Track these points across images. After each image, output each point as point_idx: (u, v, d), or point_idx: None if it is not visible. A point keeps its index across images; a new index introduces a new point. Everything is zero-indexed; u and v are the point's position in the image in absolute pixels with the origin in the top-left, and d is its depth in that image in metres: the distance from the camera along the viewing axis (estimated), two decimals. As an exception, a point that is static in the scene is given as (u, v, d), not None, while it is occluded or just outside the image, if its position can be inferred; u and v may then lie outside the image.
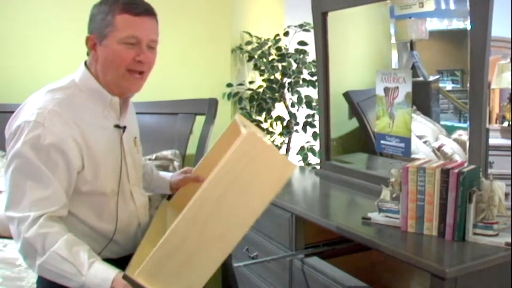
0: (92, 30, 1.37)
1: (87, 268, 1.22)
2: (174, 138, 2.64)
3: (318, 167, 2.68)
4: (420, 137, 2.20)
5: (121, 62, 1.34)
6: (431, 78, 2.35)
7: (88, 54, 1.42)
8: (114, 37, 1.32)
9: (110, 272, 1.23)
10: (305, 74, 2.90)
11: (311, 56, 2.78)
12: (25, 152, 1.25)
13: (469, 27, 1.68)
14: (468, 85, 1.71)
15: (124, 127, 1.43)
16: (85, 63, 1.42)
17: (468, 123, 1.73)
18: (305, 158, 2.89)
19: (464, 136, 1.93)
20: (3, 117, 2.93)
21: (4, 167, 2.70)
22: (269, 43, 2.93)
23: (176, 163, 2.57)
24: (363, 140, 2.50)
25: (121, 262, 1.39)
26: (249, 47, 2.94)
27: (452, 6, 2.27)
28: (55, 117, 1.28)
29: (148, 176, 1.72)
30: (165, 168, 2.48)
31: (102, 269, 1.24)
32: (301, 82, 2.87)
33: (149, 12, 1.37)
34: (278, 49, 2.88)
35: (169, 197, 1.80)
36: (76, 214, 1.37)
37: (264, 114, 2.93)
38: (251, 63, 2.93)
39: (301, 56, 2.87)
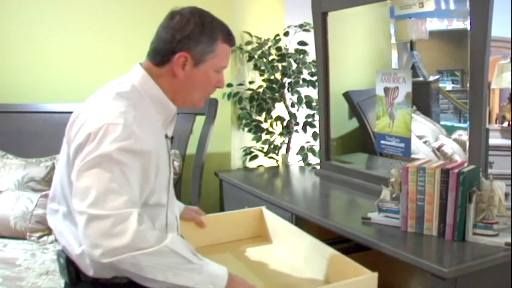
0: (189, 49, 1.29)
1: (202, 263, 1.21)
2: (174, 138, 2.64)
3: (318, 167, 2.68)
4: (420, 137, 2.20)
5: (210, 88, 1.38)
6: (431, 78, 2.36)
7: (150, 57, 1.37)
8: (213, 64, 1.33)
9: (223, 268, 1.23)
10: (305, 74, 2.90)
11: (311, 56, 2.78)
12: (115, 154, 1.18)
13: (469, 27, 1.68)
14: (468, 85, 1.71)
15: (172, 137, 1.44)
16: (144, 68, 1.37)
17: (468, 123, 1.73)
18: (305, 158, 2.89)
19: (464, 136, 1.93)
20: (3, 117, 2.95)
21: (3, 166, 2.70)
22: (269, 43, 2.93)
23: (176, 163, 2.57)
24: (363, 140, 2.50)
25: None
26: (249, 47, 2.94)
27: (452, 6, 2.27)
28: (139, 123, 1.23)
29: None
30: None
31: (214, 265, 1.23)
32: (301, 82, 2.87)
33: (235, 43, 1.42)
34: (278, 49, 2.88)
35: None
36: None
37: (264, 114, 2.93)
38: (251, 63, 2.93)
39: (301, 56, 2.87)
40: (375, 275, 1.26)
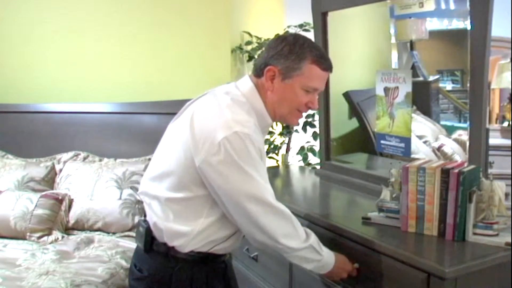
0: (277, 64, 1.45)
1: (323, 251, 1.50)
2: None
3: (318, 167, 2.68)
4: (420, 137, 2.20)
5: (297, 104, 1.48)
6: (431, 78, 2.35)
7: (257, 73, 1.51)
8: (299, 82, 1.45)
9: (332, 254, 1.53)
10: (305, 74, 2.90)
11: (311, 56, 2.78)
12: (252, 151, 1.37)
13: (469, 27, 1.68)
14: (468, 85, 1.71)
15: None
16: (251, 80, 1.51)
17: (468, 123, 1.73)
18: (305, 158, 2.89)
19: (464, 136, 1.93)
20: (3, 117, 2.95)
21: (3, 166, 2.70)
22: (269, 43, 2.93)
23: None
24: (363, 140, 2.50)
25: (216, 256, 1.51)
26: (249, 47, 2.94)
27: (452, 6, 2.27)
28: (255, 129, 1.41)
29: None
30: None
31: (328, 252, 1.53)
32: (301, 82, 2.87)
33: (331, 69, 1.51)
34: (278, 49, 2.88)
35: None
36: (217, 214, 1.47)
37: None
38: (251, 63, 2.93)
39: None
40: None
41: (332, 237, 1.71)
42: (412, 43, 2.35)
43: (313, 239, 1.49)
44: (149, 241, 1.50)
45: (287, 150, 3.03)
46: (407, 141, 1.93)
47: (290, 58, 1.44)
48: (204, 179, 1.39)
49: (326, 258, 1.51)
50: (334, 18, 2.33)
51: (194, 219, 1.44)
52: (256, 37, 2.96)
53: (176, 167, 1.43)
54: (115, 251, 2.29)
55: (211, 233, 1.46)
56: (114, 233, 2.50)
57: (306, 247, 1.46)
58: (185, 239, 1.44)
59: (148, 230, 1.50)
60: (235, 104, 1.43)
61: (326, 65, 1.47)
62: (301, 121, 2.95)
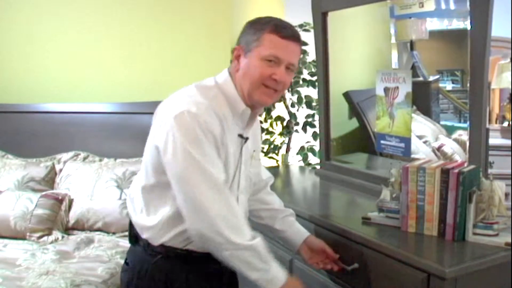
0: (240, 42, 1.47)
1: (271, 261, 1.40)
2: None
3: (318, 167, 2.68)
4: (420, 137, 2.20)
5: (258, 76, 1.42)
6: (431, 78, 2.35)
7: (231, 62, 1.52)
8: (258, 53, 1.42)
9: (283, 271, 1.42)
10: (305, 74, 2.90)
11: (311, 56, 2.78)
12: (197, 130, 1.35)
13: (469, 27, 1.68)
14: (468, 85, 1.71)
15: (247, 138, 1.52)
16: (228, 70, 1.51)
17: (468, 123, 1.73)
18: (305, 158, 2.89)
19: (464, 136, 1.93)
20: (3, 117, 2.95)
21: (3, 166, 2.70)
22: (269, 43, 2.92)
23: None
24: (363, 140, 2.50)
25: (200, 257, 1.47)
26: (249, 47, 2.94)
27: (452, 6, 2.27)
28: (211, 112, 1.39)
29: (279, 221, 1.72)
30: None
31: (277, 266, 1.42)
32: (301, 82, 2.87)
33: (295, 37, 1.46)
34: (278, 49, 2.88)
35: None
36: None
37: (264, 114, 2.93)
38: (251, 63, 2.93)
39: (301, 56, 2.86)
40: None
41: (332, 237, 1.71)
42: (412, 43, 2.35)
43: (260, 243, 1.39)
44: (133, 235, 1.53)
45: (287, 150, 3.03)
46: (407, 141, 1.93)
47: (250, 32, 1.44)
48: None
49: (274, 272, 1.40)
50: (334, 18, 2.33)
51: (160, 208, 1.45)
52: (256, 37, 2.96)
53: (145, 155, 1.49)
54: (115, 251, 2.29)
55: (177, 224, 1.43)
56: (114, 233, 2.50)
57: (250, 248, 1.36)
58: (152, 231, 1.46)
59: (131, 224, 1.55)
60: (197, 91, 1.43)
61: (285, 33, 1.42)
62: (301, 121, 2.97)
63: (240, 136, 1.49)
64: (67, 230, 2.53)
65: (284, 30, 1.42)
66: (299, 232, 1.71)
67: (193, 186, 1.34)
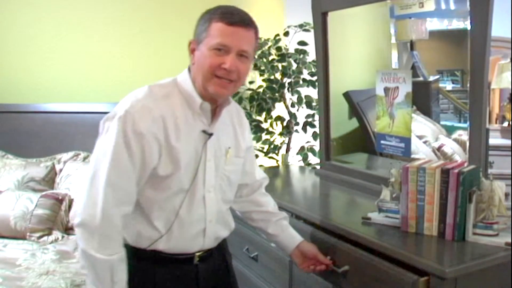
0: (194, 36, 1.44)
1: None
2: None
3: (318, 167, 2.68)
4: (420, 137, 2.20)
5: (208, 68, 1.38)
6: (431, 78, 2.35)
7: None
8: (207, 43, 1.38)
9: None
10: (305, 74, 2.90)
11: (311, 56, 2.78)
12: (117, 138, 1.34)
13: (469, 27, 1.68)
14: (468, 85, 1.71)
15: (211, 134, 1.46)
16: (188, 66, 1.49)
17: (468, 123, 1.73)
18: (305, 158, 2.89)
19: (464, 136, 1.93)
20: (3, 117, 2.95)
21: (3, 166, 2.70)
22: (269, 43, 2.93)
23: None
24: (363, 140, 2.50)
25: (170, 259, 1.45)
26: (249, 47, 2.94)
27: (452, 6, 2.27)
28: (145, 111, 1.36)
29: (272, 225, 1.69)
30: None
31: None
32: (301, 82, 2.87)
33: (244, 22, 1.40)
34: (278, 49, 2.88)
35: None
36: (139, 202, 1.42)
37: (264, 114, 2.93)
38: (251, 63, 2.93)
39: (301, 56, 2.87)
40: None
41: (332, 237, 1.71)
42: (412, 43, 2.35)
43: (108, 264, 1.32)
44: None
45: (287, 150, 3.03)
46: (407, 141, 1.93)
47: (200, 24, 1.42)
48: None
49: None
50: (334, 18, 2.33)
51: None
52: (256, 37, 2.96)
53: None
54: (115, 251, 2.29)
55: (133, 223, 1.41)
56: (114, 233, 2.50)
57: (92, 257, 1.31)
58: None
59: None
60: (146, 90, 1.43)
61: (232, 19, 1.37)
62: (301, 121, 2.97)
63: (204, 132, 1.45)
64: (67, 230, 2.53)
65: (231, 17, 1.38)
66: (292, 237, 1.68)
67: (85, 184, 1.35)
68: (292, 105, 2.94)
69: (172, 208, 1.43)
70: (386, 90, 1.98)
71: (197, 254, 1.50)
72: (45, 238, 2.40)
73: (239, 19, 1.38)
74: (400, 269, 1.41)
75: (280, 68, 2.86)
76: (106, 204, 1.32)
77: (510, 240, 1.44)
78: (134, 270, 1.42)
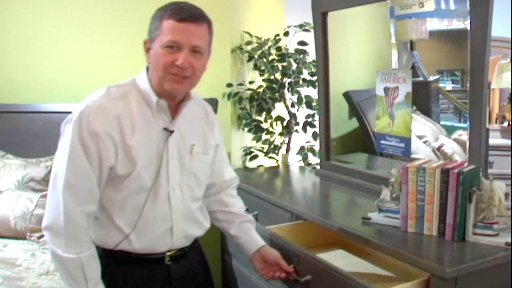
0: (148, 34, 1.44)
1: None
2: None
3: (318, 167, 2.68)
4: (420, 137, 2.21)
5: (162, 66, 1.38)
6: (431, 78, 2.36)
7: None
8: (159, 41, 1.38)
9: None
10: (305, 74, 2.90)
11: (311, 56, 2.78)
12: (73, 140, 1.36)
13: (469, 27, 1.68)
14: (468, 85, 1.71)
15: (172, 131, 1.45)
16: (147, 66, 1.49)
17: (468, 123, 1.73)
18: (305, 158, 2.89)
19: (464, 136, 1.93)
20: (3, 117, 2.95)
21: (3, 166, 2.70)
22: (269, 43, 2.92)
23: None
24: (363, 140, 2.50)
25: (140, 259, 1.45)
26: (249, 47, 2.94)
27: (452, 6, 2.28)
28: (100, 112, 1.38)
29: (235, 226, 1.66)
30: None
31: None
32: (301, 82, 2.87)
33: (193, 18, 1.39)
34: (278, 49, 2.88)
35: None
36: (101, 202, 1.43)
37: (264, 114, 2.93)
38: (251, 63, 2.93)
39: (301, 56, 2.87)
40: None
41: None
42: (412, 43, 2.35)
43: (78, 263, 1.35)
44: None
45: (287, 150, 3.03)
46: (407, 141, 1.93)
47: (152, 22, 1.42)
48: None
49: None
50: (334, 18, 2.33)
51: None
52: (256, 37, 2.95)
53: None
54: (115, 251, 2.29)
55: (95, 223, 1.42)
56: (114, 233, 2.50)
57: (62, 258, 1.35)
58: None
59: None
60: (104, 91, 1.44)
61: (182, 15, 1.36)
62: (301, 121, 2.97)
63: (165, 129, 1.45)
64: (67, 230, 2.53)
65: (180, 13, 1.37)
66: (253, 241, 1.63)
67: (49, 185, 1.39)
68: (292, 105, 2.94)
69: (136, 207, 1.42)
70: (386, 90, 1.98)
71: (168, 254, 1.48)
72: (45, 238, 2.40)
73: (188, 15, 1.38)
74: (364, 282, 1.39)
75: (280, 68, 2.86)
76: (67, 205, 1.34)
77: (510, 240, 1.44)
78: (104, 270, 1.42)
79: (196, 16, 1.40)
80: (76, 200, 1.35)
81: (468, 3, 1.67)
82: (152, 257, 1.46)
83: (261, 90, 2.90)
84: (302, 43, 2.87)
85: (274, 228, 1.86)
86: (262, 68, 2.87)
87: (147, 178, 1.42)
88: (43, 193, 2.55)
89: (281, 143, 3.02)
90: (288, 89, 2.91)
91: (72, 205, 1.34)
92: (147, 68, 1.47)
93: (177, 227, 1.48)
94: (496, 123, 2.41)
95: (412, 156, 1.94)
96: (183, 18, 1.37)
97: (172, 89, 1.41)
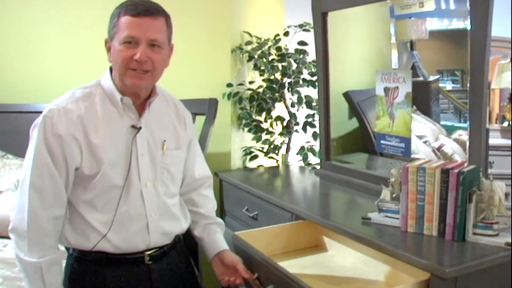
0: (108, 33, 1.45)
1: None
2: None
3: (318, 167, 2.68)
4: (420, 137, 2.20)
5: (121, 62, 1.38)
6: (431, 78, 2.35)
7: None
8: (117, 38, 1.39)
9: None
10: (305, 74, 2.90)
11: (311, 56, 2.78)
12: (38, 143, 1.37)
13: (469, 27, 1.68)
14: (468, 85, 1.71)
15: (139, 128, 1.45)
16: (110, 66, 1.49)
17: (468, 123, 1.73)
18: (305, 158, 2.89)
19: (464, 136, 1.93)
20: (3, 117, 2.95)
21: (3, 166, 2.71)
22: (269, 43, 2.92)
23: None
24: (363, 140, 2.50)
25: (118, 259, 1.44)
26: (249, 47, 2.94)
27: (452, 6, 2.27)
28: (63, 114, 1.38)
29: (199, 227, 1.65)
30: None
31: None
32: (301, 82, 2.87)
33: (149, 12, 1.39)
34: (278, 49, 2.88)
35: None
36: (73, 204, 1.43)
37: (264, 114, 2.93)
38: (251, 63, 2.93)
39: (301, 56, 2.87)
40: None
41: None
42: (412, 43, 2.35)
43: (37, 267, 1.37)
44: None
45: (287, 150, 3.03)
46: (407, 141, 1.93)
47: (110, 21, 1.43)
48: None
49: None
50: (334, 18, 2.33)
51: None
52: (256, 37, 2.95)
53: None
54: (115, 251, 2.29)
55: (65, 223, 1.44)
56: (114, 233, 2.50)
57: (23, 261, 1.38)
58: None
59: None
60: (69, 94, 1.45)
61: (136, 11, 1.37)
62: (301, 121, 2.97)
63: (133, 127, 1.45)
64: (67, 230, 2.53)
65: (136, 8, 1.38)
66: (215, 244, 1.61)
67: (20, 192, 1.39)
68: (292, 105, 2.94)
69: (109, 206, 1.42)
70: (386, 90, 1.98)
71: (147, 253, 1.47)
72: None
73: (143, 9, 1.38)
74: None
75: (280, 68, 2.86)
76: (32, 208, 1.34)
77: (510, 240, 1.44)
78: (83, 272, 1.43)
79: (152, 10, 1.40)
80: (42, 204, 1.35)
81: (468, 3, 1.67)
82: (131, 257, 1.45)
83: (261, 90, 2.90)
84: (302, 43, 2.87)
85: (274, 228, 1.86)
86: (262, 68, 2.87)
87: (116, 176, 1.41)
88: (43, 193, 2.55)
89: (281, 143, 3.02)
90: (288, 89, 2.91)
91: (38, 208, 1.35)
92: (110, 68, 1.47)
93: (153, 224, 1.47)
94: (496, 123, 2.40)
95: (412, 156, 1.94)
96: (138, 13, 1.37)
97: (133, 84, 1.41)
